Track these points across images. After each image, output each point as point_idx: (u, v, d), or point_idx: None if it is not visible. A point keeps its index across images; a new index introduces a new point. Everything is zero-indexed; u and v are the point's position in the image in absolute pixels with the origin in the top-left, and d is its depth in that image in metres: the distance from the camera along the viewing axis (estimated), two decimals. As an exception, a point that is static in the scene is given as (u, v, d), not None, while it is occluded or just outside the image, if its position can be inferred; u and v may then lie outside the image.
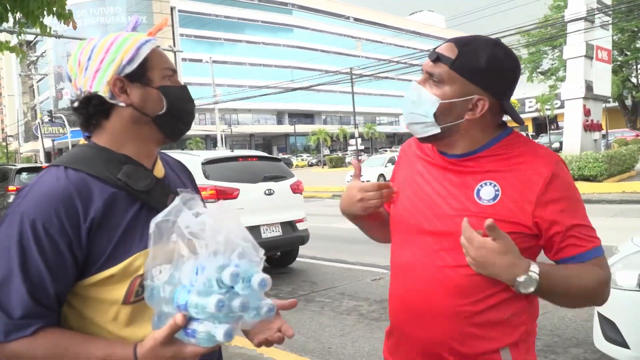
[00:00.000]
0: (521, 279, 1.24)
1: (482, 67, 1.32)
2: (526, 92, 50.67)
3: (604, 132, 24.22)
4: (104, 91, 1.21)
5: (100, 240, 1.14)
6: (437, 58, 1.36)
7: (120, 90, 1.22)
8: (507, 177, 1.34)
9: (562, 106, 24.62)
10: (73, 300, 1.18)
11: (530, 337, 1.43)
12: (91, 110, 1.23)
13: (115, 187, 1.18)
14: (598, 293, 1.36)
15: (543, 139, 37.64)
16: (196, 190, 1.47)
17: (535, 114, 47.19)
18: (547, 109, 44.34)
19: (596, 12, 18.33)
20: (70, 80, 1.27)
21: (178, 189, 1.30)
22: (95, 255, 1.14)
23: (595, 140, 18.56)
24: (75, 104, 1.24)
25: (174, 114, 1.27)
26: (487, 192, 1.35)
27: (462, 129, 1.38)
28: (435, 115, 1.36)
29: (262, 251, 1.08)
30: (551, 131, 40.25)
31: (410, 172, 1.53)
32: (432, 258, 1.38)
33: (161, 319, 1.07)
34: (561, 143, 22.31)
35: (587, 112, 17.88)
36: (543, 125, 46.84)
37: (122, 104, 1.22)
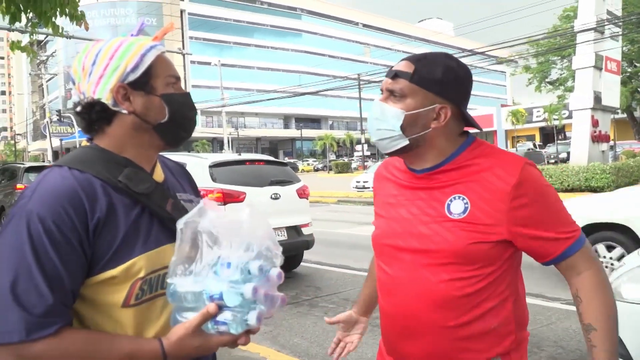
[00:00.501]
0: None
1: (439, 78, 1.38)
2: (534, 101, 50.65)
3: (612, 143, 24.14)
4: (106, 98, 1.21)
5: (103, 240, 1.14)
6: (395, 75, 1.41)
7: (123, 97, 1.22)
8: (475, 188, 1.37)
9: (570, 116, 24.58)
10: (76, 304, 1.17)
11: (522, 345, 1.46)
12: (94, 116, 1.23)
13: (116, 189, 1.19)
14: (609, 295, 1.38)
15: (550, 149, 37.53)
16: (197, 194, 1.47)
17: (543, 124, 47.06)
18: (554, 119, 44.21)
19: (606, 23, 18.29)
20: (73, 83, 1.26)
21: (177, 194, 1.33)
22: (99, 255, 1.14)
23: (603, 151, 18.49)
24: (78, 108, 1.24)
25: (176, 122, 1.27)
26: (456, 206, 1.38)
27: (428, 139, 1.41)
28: (402, 127, 1.39)
29: (280, 248, 1.16)
30: (559, 141, 40.12)
31: (384, 195, 1.58)
32: (413, 276, 1.42)
33: (182, 314, 1.13)
34: (568, 153, 22.25)
35: (595, 123, 17.81)
36: (550, 135, 46.68)
37: (125, 112, 1.22)
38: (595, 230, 6.13)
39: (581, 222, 5.81)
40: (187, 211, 1.18)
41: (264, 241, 1.13)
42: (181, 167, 1.51)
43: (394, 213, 1.50)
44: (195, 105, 1.37)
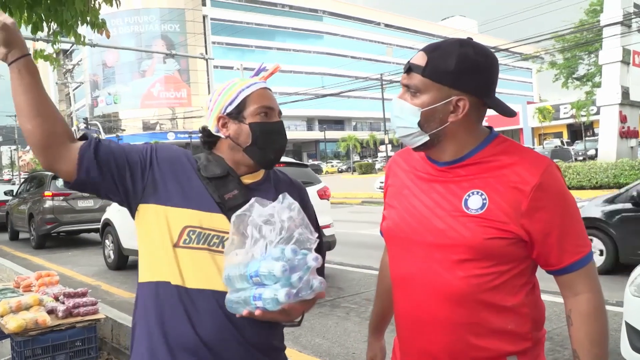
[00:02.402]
0: None
1: (452, 69, 1.33)
2: (561, 98, 49.81)
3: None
4: (212, 126, 1.58)
5: (156, 176, 1.51)
6: (409, 69, 1.38)
7: (222, 125, 1.57)
8: (494, 185, 1.34)
9: (597, 112, 24.10)
10: (139, 219, 1.54)
11: (538, 344, 1.42)
12: (204, 139, 1.61)
13: (196, 169, 1.55)
14: (601, 323, 1.35)
15: (578, 146, 36.86)
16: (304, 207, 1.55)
17: (571, 121, 46.22)
18: (582, 115, 43.43)
19: (633, 17, 17.93)
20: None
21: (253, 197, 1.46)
22: (150, 186, 1.51)
23: (631, 147, 18.12)
24: (200, 135, 1.64)
25: (259, 146, 1.54)
26: (474, 201, 1.35)
27: (449, 133, 1.38)
28: (420, 124, 1.37)
29: (316, 234, 1.32)
30: (586, 138, 39.42)
31: (398, 186, 1.54)
32: (426, 270, 1.39)
33: (234, 295, 1.32)
34: (597, 150, 21.84)
35: (623, 119, 17.47)
36: (578, 131, 45.81)
37: (223, 136, 1.57)
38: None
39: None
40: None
41: (297, 227, 1.29)
42: (293, 183, 1.73)
43: (407, 204, 1.46)
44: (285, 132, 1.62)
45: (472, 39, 1.40)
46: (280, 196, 1.34)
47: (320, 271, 1.36)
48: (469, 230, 1.32)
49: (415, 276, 1.41)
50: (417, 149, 1.44)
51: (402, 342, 1.53)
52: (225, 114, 1.55)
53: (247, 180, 1.59)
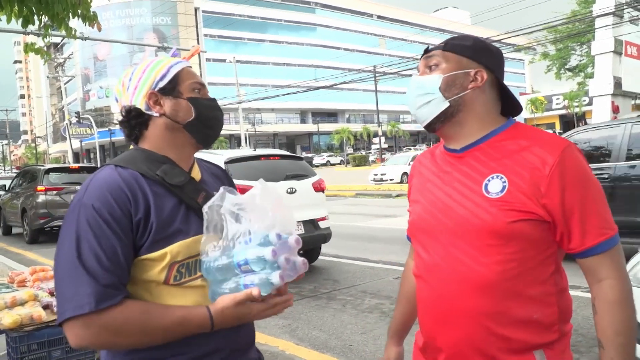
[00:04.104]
0: None
1: (471, 45, 1.43)
2: (554, 89, 49.88)
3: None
4: (140, 104, 1.41)
5: (144, 228, 1.30)
6: (428, 51, 1.47)
7: (155, 102, 1.41)
8: (513, 167, 1.33)
9: (590, 103, 24.17)
10: None
11: (565, 337, 1.39)
12: (132, 122, 1.43)
13: (154, 182, 1.36)
14: (627, 311, 1.30)
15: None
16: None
17: (563, 111, 46.37)
18: (575, 106, 43.56)
19: (625, 7, 17.96)
20: (117, 101, 1.47)
21: (213, 192, 1.43)
22: (141, 240, 1.30)
23: (623, 137, 18.18)
24: (119, 119, 1.46)
25: (202, 121, 1.44)
26: (494, 185, 1.33)
27: (469, 102, 1.41)
28: (440, 89, 1.41)
29: (295, 218, 1.32)
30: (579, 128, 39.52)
31: (422, 182, 1.55)
32: (450, 259, 1.37)
33: (219, 287, 1.29)
34: (589, 140, 21.87)
35: (615, 109, 17.52)
36: (571, 122, 45.93)
37: (156, 114, 1.41)
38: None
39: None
40: None
41: (277, 211, 1.28)
42: (219, 168, 1.67)
43: (431, 196, 1.47)
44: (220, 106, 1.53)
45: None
46: (257, 182, 1.35)
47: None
48: (490, 214, 1.31)
49: (439, 266, 1.40)
50: (433, 122, 1.43)
51: (425, 335, 1.49)
52: (156, 89, 1.40)
53: (195, 175, 1.50)
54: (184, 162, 1.45)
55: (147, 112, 1.41)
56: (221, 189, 1.32)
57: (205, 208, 1.30)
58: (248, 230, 1.26)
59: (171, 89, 1.41)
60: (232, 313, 1.27)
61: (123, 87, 1.44)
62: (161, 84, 1.41)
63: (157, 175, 1.36)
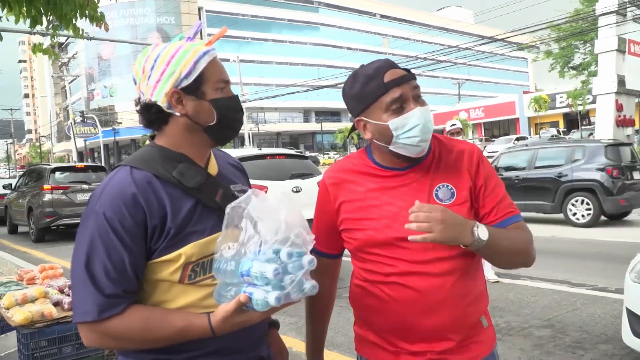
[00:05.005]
0: (477, 229, 1.37)
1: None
2: (557, 87, 49.70)
3: (637, 127, 23.66)
4: (162, 101, 1.35)
5: (160, 234, 1.30)
6: (411, 75, 1.53)
7: (177, 101, 1.36)
8: (452, 173, 1.54)
9: (594, 101, 24.11)
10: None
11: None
12: (152, 117, 1.39)
13: (171, 184, 1.34)
14: (529, 250, 1.53)
15: (575, 135, 36.89)
16: (248, 185, 1.58)
17: (567, 110, 46.15)
18: (578, 105, 43.42)
19: (628, 5, 17.93)
20: (135, 83, 1.41)
21: (231, 185, 1.45)
22: (156, 245, 1.30)
23: (628, 135, 18.15)
24: (138, 107, 1.41)
25: (223, 124, 1.40)
26: (444, 193, 1.52)
27: None
28: None
29: (313, 236, 1.24)
30: (583, 127, 39.42)
31: (357, 199, 1.59)
32: (427, 258, 1.49)
33: (224, 289, 1.26)
34: (593, 139, 21.88)
35: (619, 107, 17.51)
36: (575, 121, 45.77)
37: (178, 114, 1.36)
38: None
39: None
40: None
41: (294, 228, 1.21)
42: (235, 160, 1.65)
43: (384, 212, 1.53)
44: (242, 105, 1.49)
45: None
46: (281, 193, 1.30)
47: None
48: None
49: (418, 263, 1.49)
50: (422, 154, 1.54)
51: (400, 327, 1.55)
52: (179, 87, 1.34)
53: (212, 170, 1.48)
54: (199, 158, 1.43)
55: (168, 110, 1.36)
56: (249, 191, 1.27)
57: (228, 208, 1.25)
58: (261, 241, 1.21)
59: (195, 88, 1.35)
60: (233, 320, 1.24)
61: (144, 74, 1.36)
62: (185, 82, 1.34)
63: (174, 177, 1.34)
